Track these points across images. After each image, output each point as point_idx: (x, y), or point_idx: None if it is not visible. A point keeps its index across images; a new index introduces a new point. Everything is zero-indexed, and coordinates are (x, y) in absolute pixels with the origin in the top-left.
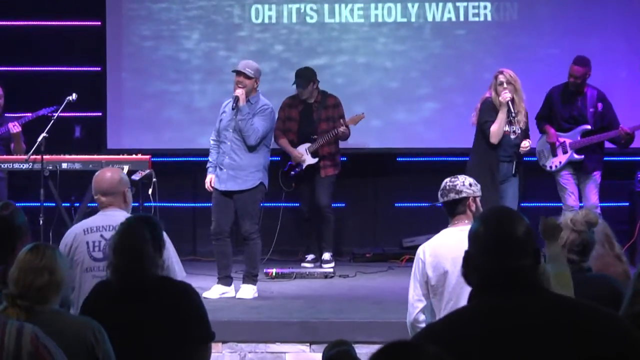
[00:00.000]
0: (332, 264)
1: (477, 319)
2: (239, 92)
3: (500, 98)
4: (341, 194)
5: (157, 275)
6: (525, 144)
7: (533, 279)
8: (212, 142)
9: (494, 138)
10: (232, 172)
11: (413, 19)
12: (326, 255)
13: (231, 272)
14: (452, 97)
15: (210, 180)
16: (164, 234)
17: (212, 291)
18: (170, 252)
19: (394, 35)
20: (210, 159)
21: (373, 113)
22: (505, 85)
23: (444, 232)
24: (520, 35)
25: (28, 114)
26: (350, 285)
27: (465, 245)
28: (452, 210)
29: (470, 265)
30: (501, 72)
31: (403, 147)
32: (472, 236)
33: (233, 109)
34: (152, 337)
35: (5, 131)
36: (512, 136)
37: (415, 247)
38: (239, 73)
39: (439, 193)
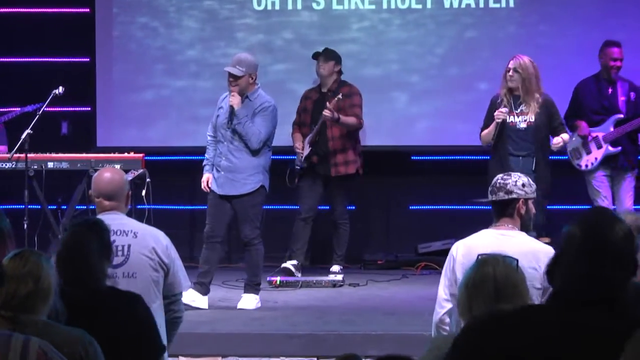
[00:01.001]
0: (341, 277)
1: (552, 322)
2: (233, 99)
3: (495, 114)
4: (351, 196)
5: (104, 287)
6: (558, 140)
7: (620, 294)
8: (209, 138)
9: (482, 141)
10: (229, 175)
11: (429, 6)
12: (335, 268)
13: (210, 281)
14: (471, 90)
15: (207, 180)
16: (168, 241)
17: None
18: (175, 260)
19: (408, 23)
20: (206, 156)
21: (384, 107)
22: (511, 72)
23: (483, 233)
24: (542, 23)
25: (15, 109)
26: (361, 294)
27: (503, 251)
28: (499, 211)
29: (558, 267)
30: (513, 58)
31: (418, 145)
32: (567, 237)
33: (230, 120)
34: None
35: None
36: (522, 126)
37: (431, 254)
38: (230, 74)
39: (489, 190)
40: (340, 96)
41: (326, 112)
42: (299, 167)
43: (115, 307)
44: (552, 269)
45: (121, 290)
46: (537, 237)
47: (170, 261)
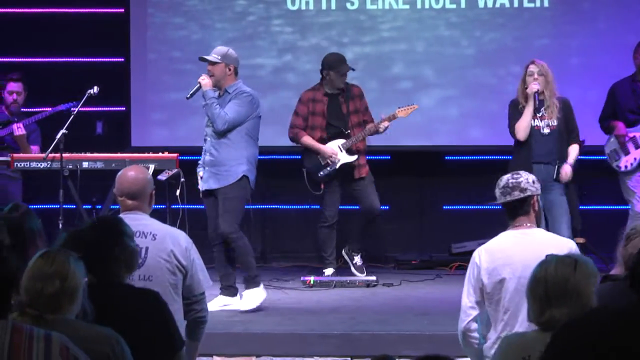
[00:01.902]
0: (375, 277)
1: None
2: (202, 77)
3: (527, 90)
4: (384, 196)
5: (120, 285)
6: (566, 171)
7: None
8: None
9: (520, 133)
10: (213, 169)
11: (463, 5)
12: (357, 259)
13: (234, 282)
14: (505, 90)
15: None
16: (189, 242)
17: (214, 302)
18: (194, 261)
19: (442, 23)
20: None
21: (419, 107)
22: (535, 76)
23: (503, 235)
24: (576, 22)
25: (47, 109)
26: (395, 294)
27: (527, 251)
28: (514, 211)
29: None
30: (532, 62)
31: (451, 145)
32: None
33: (188, 98)
34: None
35: (8, 132)
36: (546, 131)
37: (465, 254)
38: (203, 60)
39: (499, 192)
40: (411, 105)
41: (385, 124)
42: (325, 174)
43: (131, 303)
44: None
45: (137, 287)
46: (573, 238)
47: (189, 263)
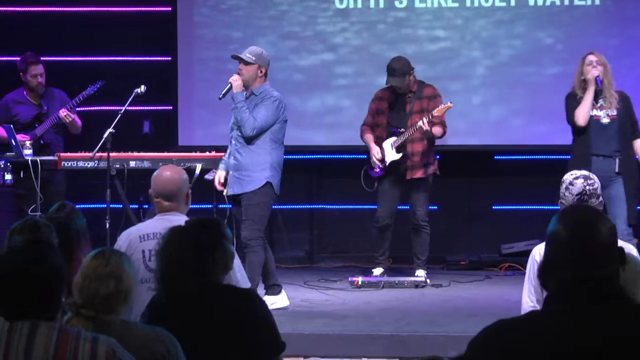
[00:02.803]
0: (424, 277)
1: (552, 328)
2: (234, 78)
3: (588, 75)
4: (434, 196)
5: (203, 283)
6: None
7: (616, 288)
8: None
9: (580, 118)
10: (236, 173)
11: (513, 3)
12: (421, 272)
13: (277, 280)
14: (555, 88)
15: (219, 177)
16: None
17: None
18: (234, 261)
19: (492, 21)
20: (224, 157)
21: (466, 106)
22: (594, 64)
23: None
24: (628, 20)
25: (93, 109)
26: (444, 295)
27: None
28: None
29: (548, 269)
30: (591, 53)
31: (501, 144)
32: (551, 238)
33: (220, 98)
34: (212, 353)
35: (54, 121)
36: (605, 120)
37: (515, 255)
38: (237, 58)
39: (575, 197)
40: (431, 115)
41: (423, 125)
42: (378, 171)
43: (231, 304)
44: (543, 273)
45: (236, 287)
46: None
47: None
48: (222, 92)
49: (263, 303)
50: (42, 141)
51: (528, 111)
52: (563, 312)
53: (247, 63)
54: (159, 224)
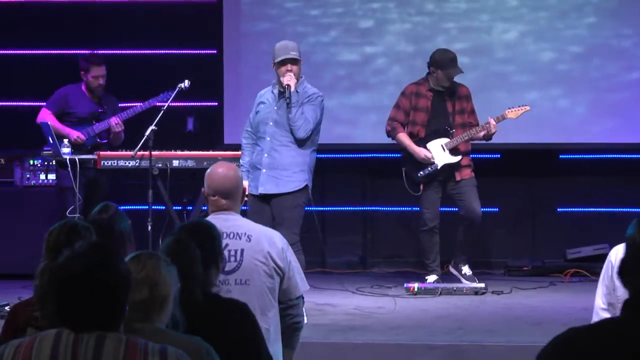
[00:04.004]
0: (484, 284)
1: (626, 338)
2: (289, 78)
3: None
4: (494, 198)
5: (203, 296)
6: None
7: None
8: (245, 140)
9: None
10: (271, 172)
11: None
12: (466, 269)
13: None
14: (623, 84)
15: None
16: (285, 242)
17: None
18: (291, 262)
19: (555, 13)
20: (241, 161)
21: (529, 103)
22: None
23: None
24: None
25: (137, 104)
26: (505, 302)
27: None
28: None
29: (625, 273)
30: None
31: (567, 142)
32: (628, 242)
33: (284, 99)
34: None
35: (105, 127)
36: None
37: (581, 260)
38: (285, 61)
39: None
40: (522, 106)
41: (494, 128)
42: (425, 174)
43: (219, 319)
44: (623, 277)
45: (224, 299)
46: None
47: (286, 265)
48: (287, 96)
49: (250, 316)
50: (98, 139)
51: (596, 108)
52: (637, 320)
53: (295, 61)
54: (219, 223)
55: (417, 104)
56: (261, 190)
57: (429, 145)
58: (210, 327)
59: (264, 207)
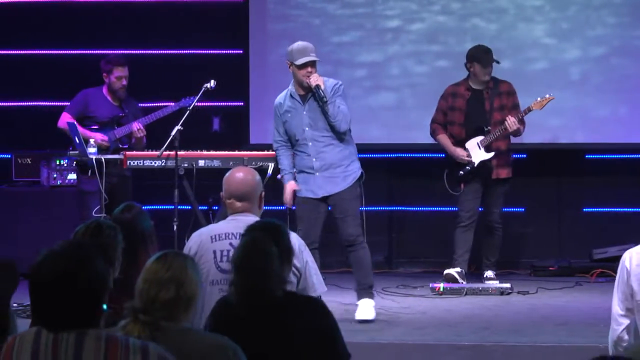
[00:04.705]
0: (497, 282)
1: None
2: (315, 78)
3: None
4: (520, 198)
5: (282, 293)
6: None
7: None
8: (278, 145)
9: None
10: (325, 173)
11: None
12: (490, 273)
13: None
14: None
15: (292, 190)
16: (301, 242)
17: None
18: (308, 262)
19: (581, 14)
20: (281, 166)
21: (555, 102)
22: None
23: None
24: None
25: (160, 104)
26: (531, 303)
27: None
28: None
29: None
30: None
31: (593, 142)
32: None
33: (314, 100)
34: None
35: (127, 132)
36: None
37: (607, 260)
38: (307, 64)
39: None
40: (546, 96)
41: (513, 125)
42: (465, 172)
43: (294, 314)
44: None
45: (301, 296)
46: None
47: (303, 265)
48: (322, 96)
49: (328, 311)
50: (119, 144)
51: (623, 107)
52: None
53: (315, 63)
54: (231, 225)
55: (453, 103)
56: (322, 193)
57: (467, 144)
58: (292, 321)
59: (318, 205)
